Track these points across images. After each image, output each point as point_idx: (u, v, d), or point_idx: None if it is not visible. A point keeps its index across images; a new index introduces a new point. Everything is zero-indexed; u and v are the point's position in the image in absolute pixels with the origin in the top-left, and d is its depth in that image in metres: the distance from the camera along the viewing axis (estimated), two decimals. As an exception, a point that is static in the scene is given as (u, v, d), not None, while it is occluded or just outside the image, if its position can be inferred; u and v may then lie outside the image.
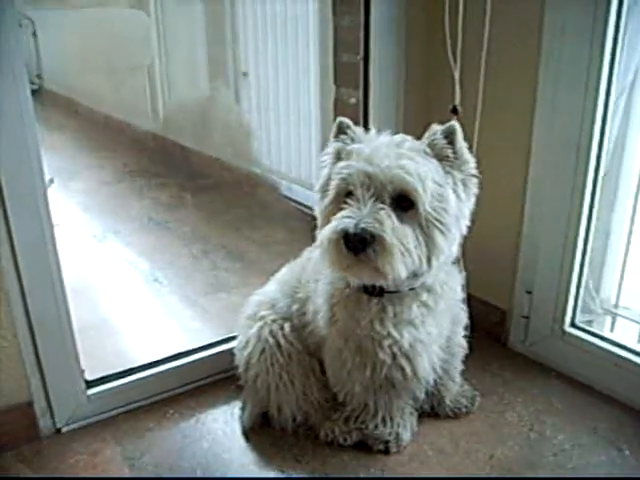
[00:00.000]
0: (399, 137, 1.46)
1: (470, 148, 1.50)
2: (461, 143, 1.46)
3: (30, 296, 1.64)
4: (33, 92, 1.49)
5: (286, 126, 3.30)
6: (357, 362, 1.59)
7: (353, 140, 1.48)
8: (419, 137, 1.47)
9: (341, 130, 1.51)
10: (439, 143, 1.44)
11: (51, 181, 3.35)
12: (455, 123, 1.46)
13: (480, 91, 1.92)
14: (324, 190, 1.49)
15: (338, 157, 1.48)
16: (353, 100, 2.16)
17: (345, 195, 1.40)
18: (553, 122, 1.84)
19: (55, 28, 5.95)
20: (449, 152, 1.44)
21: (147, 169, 4.25)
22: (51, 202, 1.67)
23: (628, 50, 1.77)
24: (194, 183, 3.92)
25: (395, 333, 1.54)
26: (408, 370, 1.59)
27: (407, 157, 1.38)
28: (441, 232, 1.40)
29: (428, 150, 1.43)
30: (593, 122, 1.78)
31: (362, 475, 1.63)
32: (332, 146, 1.51)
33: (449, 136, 1.44)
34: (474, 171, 1.49)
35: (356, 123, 2.15)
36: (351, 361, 1.60)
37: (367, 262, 1.34)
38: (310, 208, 2.92)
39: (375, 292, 1.52)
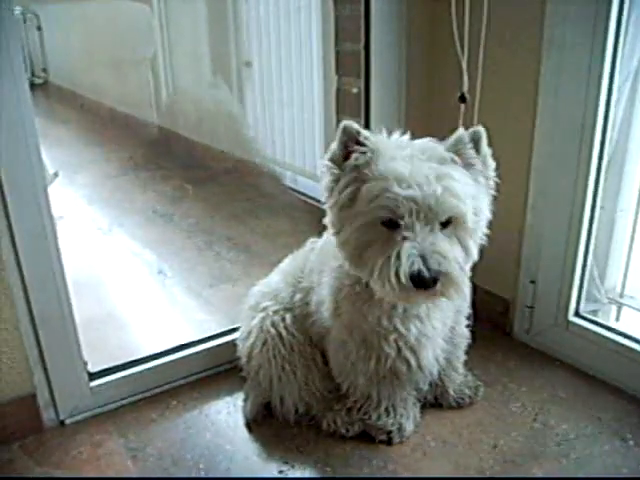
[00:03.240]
0: (425, 144, 1.40)
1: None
2: (486, 149, 1.44)
3: (32, 289, 1.65)
4: (39, 86, 1.48)
5: (290, 116, 3.29)
6: (362, 354, 1.59)
7: (370, 149, 1.37)
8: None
9: (349, 136, 1.38)
10: (467, 152, 1.40)
11: (55, 175, 3.38)
12: (481, 129, 1.42)
13: (479, 79, 1.90)
14: (346, 206, 1.38)
15: (357, 169, 1.37)
16: (355, 89, 2.15)
17: (387, 220, 1.33)
18: (556, 110, 1.82)
19: (59, 22, 5.97)
20: (477, 161, 1.42)
21: (152, 162, 4.26)
22: (56, 195, 1.67)
23: (632, 35, 1.74)
24: (198, 175, 3.93)
25: (402, 328, 1.53)
26: (413, 362, 1.59)
27: (449, 177, 1.33)
28: (475, 241, 1.41)
29: (456, 158, 1.38)
30: (597, 109, 1.76)
31: (366, 470, 1.63)
32: (352, 160, 1.37)
33: (474, 141, 1.41)
34: (494, 175, 1.46)
35: (358, 112, 2.15)
36: (355, 353, 1.60)
37: (433, 293, 1.33)
38: (314, 199, 2.92)
39: None
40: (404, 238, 1.31)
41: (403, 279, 1.28)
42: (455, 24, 1.89)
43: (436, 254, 1.30)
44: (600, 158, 1.82)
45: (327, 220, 1.46)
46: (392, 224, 1.33)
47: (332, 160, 1.41)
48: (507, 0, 1.85)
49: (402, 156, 1.35)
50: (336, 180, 1.41)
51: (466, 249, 1.39)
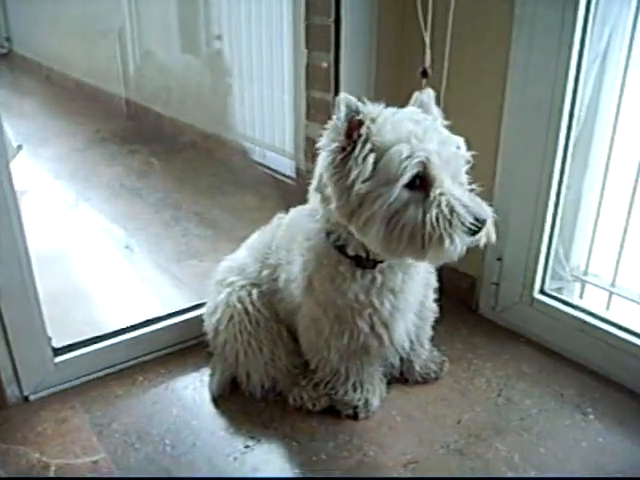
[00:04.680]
0: (406, 110, 1.40)
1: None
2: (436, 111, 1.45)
3: (-7, 264, 1.62)
4: (2, 56, 1.43)
5: (259, 90, 3.25)
6: (335, 330, 1.59)
7: (374, 117, 1.33)
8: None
9: (350, 109, 1.31)
10: (434, 113, 1.42)
11: (19, 147, 3.30)
12: (430, 90, 1.44)
13: (446, 54, 1.90)
14: (367, 178, 1.31)
15: (368, 140, 1.32)
16: (325, 64, 2.13)
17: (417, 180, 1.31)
18: (525, 88, 1.83)
19: (24, -11, 5.81)
20: (440, 119, 1.42)
21: (119, 135, 4.19)
22: (20, 169, 1.63)
23: (601, 16, 1.75)
24: (166, 149, 3.87)
25: (376, 302, 1.53)
26: (385, 337, 1.60)
27: (441, 131, 1.36)
28: None
29: (429, 118, 1.39)
30: (565, 88, 1.77)
31: (331, 444, 1.64)
32: (363, 130, 1.32)
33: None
34: None
35: (328, 87, 2.13)
36: (329, 329, 1.59)
37: (479, 237, 1.36)
38: (282, 174, 2.89)
39: (370, 265, 1.49)
40: (441, 194, 1.30)
41: (472, 222, 1.31)
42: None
43: (472, 202, 1.33)
44: (567, 137, 1.84)
45: (337, 205, 1.36)
46: (419, 185, 1.30)
47: (337, 135, 1.33)
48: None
49: (402, 119, 1.35)
50: (344, 157, 1.33)
51: None
